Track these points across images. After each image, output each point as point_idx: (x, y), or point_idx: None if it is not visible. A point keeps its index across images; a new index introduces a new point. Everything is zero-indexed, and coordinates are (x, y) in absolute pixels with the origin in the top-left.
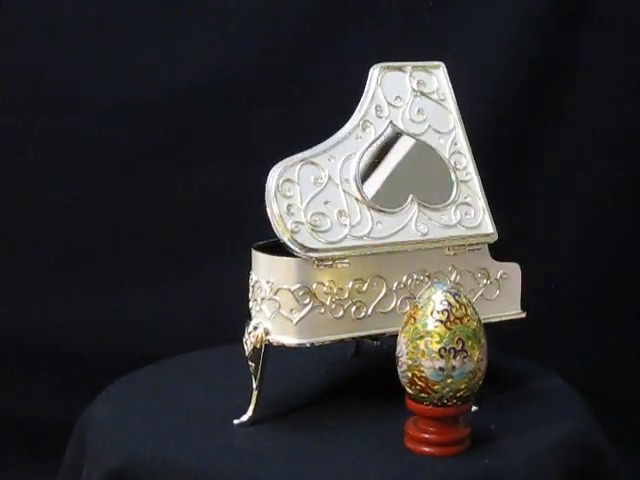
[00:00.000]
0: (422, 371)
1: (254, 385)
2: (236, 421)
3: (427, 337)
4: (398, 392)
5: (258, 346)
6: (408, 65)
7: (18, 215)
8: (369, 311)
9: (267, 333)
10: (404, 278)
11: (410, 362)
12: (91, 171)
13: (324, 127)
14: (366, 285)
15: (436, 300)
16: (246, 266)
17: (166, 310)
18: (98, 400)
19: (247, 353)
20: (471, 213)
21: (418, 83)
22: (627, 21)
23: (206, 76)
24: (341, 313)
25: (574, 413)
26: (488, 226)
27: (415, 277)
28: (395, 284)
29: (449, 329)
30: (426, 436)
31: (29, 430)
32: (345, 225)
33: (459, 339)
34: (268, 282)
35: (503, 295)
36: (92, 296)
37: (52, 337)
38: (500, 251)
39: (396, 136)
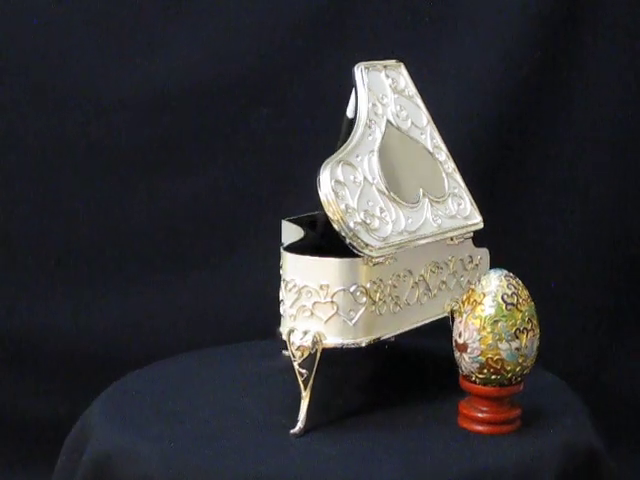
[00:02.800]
0: (499, 354)
1: (304, 392)
2: (292, 431)
3: (502, 321)
4: (425, 381)
5: (313, 351)
6: (378, 64)
7: (18, 215)
8: (402, 305)
9: (321, 337)
10: (422, 270)
11: (484, 347)
12: (91, 171)
13: (324, 127)
14: (400, 280)
15: (502, 285)
16: (247, 265)
17: (166, 310)
18: (98, 401)
19: (298, 361)
20: (462, 203)
21: (392, 81)
22: (627, 21)
23: (206, 76)
24: (385, 309)
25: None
26: (476, 214)
27: (429, 269)
28: (417, 277)
29: (520, 310)
30: (480, 415)
31: (29, 430)
32: (388, 222)
33: (529, 319)
34: (323, 286)
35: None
36: (92, 296)
37: (52, 337)
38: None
39: (393, 133)
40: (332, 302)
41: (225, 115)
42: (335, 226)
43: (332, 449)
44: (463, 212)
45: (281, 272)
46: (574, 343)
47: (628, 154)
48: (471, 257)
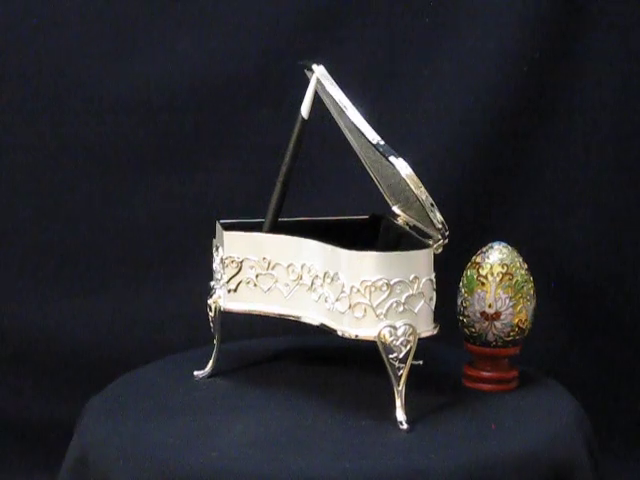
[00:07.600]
0: (526, 314)
1: (398, 388)
2: (402, 427)
3: (525, 285)
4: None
5: (412, 344)
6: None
7: (18, 215)
8: None
9: (415, 329)
10: None
11: (516, 311)
12: (90, 171)
13: (324, 127)
14: None
15: (512, 254)
16: None
17: (166, 310)
18: (97, 400)
19: (399, 357)
20: None
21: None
22: (627, 21)
23: (206, 76)
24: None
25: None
26: None
27: None
28: None
29: (531, 274)
30: (485, 374)
31: (27, 431)
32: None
33: (533, 280)
34: (414, 278)
35: None
36: (92, 296)
37: (52, 337)
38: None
39: None
40: (421, 293)
41: (225, 115)
42: (431, 218)
43: (441, 437)
44: None
45: (344, 275)
46: (573, 343)
47: (628, 154)
48: None
